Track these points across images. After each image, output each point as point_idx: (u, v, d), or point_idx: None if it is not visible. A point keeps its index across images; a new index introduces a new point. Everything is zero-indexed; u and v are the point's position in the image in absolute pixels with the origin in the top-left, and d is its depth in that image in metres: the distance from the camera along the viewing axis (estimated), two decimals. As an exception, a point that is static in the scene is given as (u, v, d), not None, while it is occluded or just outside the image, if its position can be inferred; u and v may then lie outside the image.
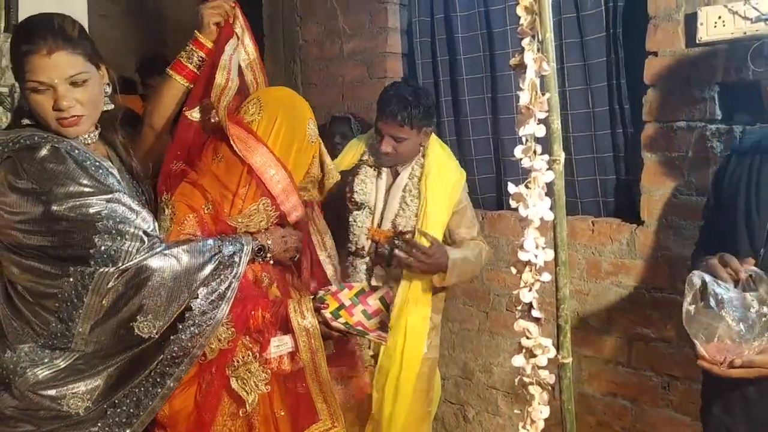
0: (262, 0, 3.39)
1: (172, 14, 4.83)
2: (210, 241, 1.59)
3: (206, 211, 1.67)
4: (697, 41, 2.02)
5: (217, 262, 1.55)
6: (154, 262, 1.46)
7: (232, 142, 1.66)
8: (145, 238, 1.46)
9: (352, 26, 3.04)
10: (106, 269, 1.42)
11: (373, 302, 1.75)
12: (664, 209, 2.16)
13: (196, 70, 1.75)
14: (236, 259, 1.59)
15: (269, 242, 1.74)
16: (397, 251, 2.13)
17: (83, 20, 3.21)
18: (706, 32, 1.99)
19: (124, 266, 1.43)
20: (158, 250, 1.48)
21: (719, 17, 1.95)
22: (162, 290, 1.46)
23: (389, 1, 2.92)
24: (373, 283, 2.25)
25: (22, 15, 2.96)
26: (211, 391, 1.61)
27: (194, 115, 1.74)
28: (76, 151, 1.47)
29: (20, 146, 1.42)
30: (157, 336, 1.47)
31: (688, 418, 2.16)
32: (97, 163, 1.49)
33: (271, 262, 1.77)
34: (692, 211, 2.09)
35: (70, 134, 1.49)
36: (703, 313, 1.32)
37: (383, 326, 1.74)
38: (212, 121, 1.73)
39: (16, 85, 2.95)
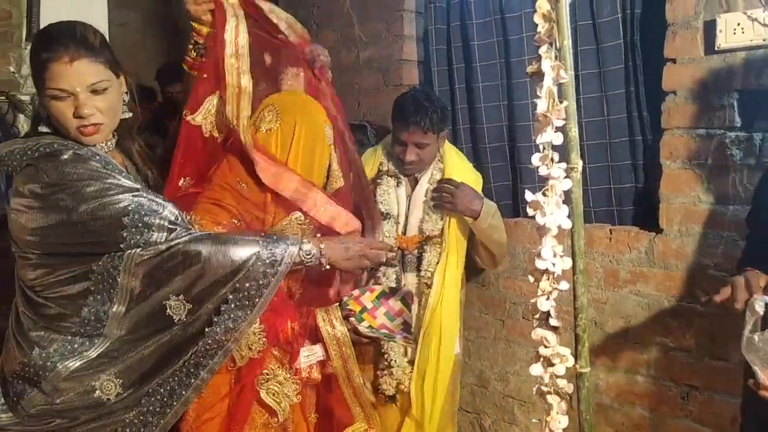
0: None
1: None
2: (252, 235, 1.55)
3: (236, 223, 1.64)
4: (716, 48, 2.00)
5: (255, 256, 1.50)
6: (190, 246, 1.46)
7: (258, 172, 1.59)
8: (175, 227, 1.47)
9: (368, 34, 3.05)
10: (136, 251, 1.43)
11: (395, 303, 1.74)
12: (684, 217, 2.14)
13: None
14: (278, 257, 1.52)
15: (322, 246, 1.60)
16: (432, 192, 2.27)
17: (103, 29, 3.25)
18: (725, 39, 1.97)
19: (157, 248, 1.44)
20: (194, 235, 1.48)
21: (738, 24, 1.94)
22: (195, 273, 1.46)
23: (405, 9, 2.92)
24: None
25: (43, 25, 3.01)
26: (240, 404, 1.61)
27: (197, 119, 1.66)
28: (97, 157, 1.48)
29: (40, 153, 1.44)
30: (186, 319, 1.47)
31: (708, 428, 2.13)
32: (118, 168, 1.51)
33: (327, 267, 1.63)
34: (712, 219, 2.07)
35: (89, 142, 1.50)
36: (763, 340, 1.28)
37: (407, 327, 1.74)
38: (228, 142, 1.67)
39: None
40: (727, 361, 2.08)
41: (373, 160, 2.41)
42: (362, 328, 1.68)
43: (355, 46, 3.09)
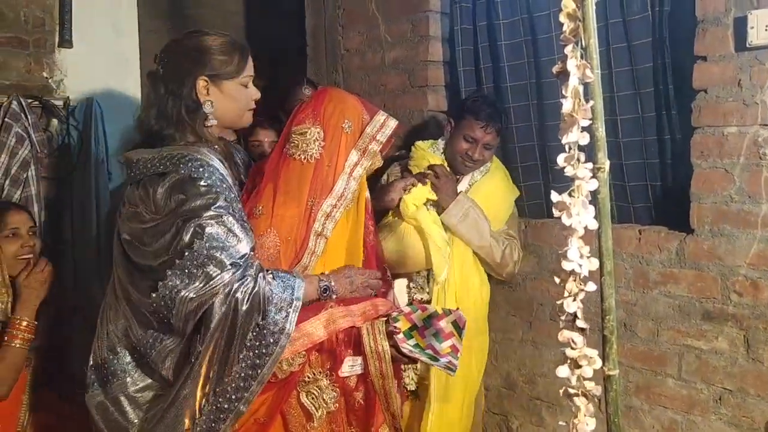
0: (305, 11, 3.43)
1: (217, 28, 4.92)
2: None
3: None
4: (748, 45, 1.96)
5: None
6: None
7: None
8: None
9: (393, 35, 3.05)
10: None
11: (446, 326, 1.70)
12: (715, 217, 2.10)
13: None
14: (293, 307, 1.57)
15: (332, 282, 1.68)
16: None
17: (134, 36, 3.31)
18: (756, 36, 1.94)
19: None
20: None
21: (771, 20, 1.90)
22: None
23: (431, 10, 2.92)
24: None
25: (76, 31, 3.07)
26: (279, 397, 1.62)
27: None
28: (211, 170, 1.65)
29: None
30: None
31: (741, 432, 2.09)
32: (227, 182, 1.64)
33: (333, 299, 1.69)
34: (744, 219, 2.03)
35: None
36: None
37: (454, 352, 1.69)
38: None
39: (71, 98, 3.06)
40: (761, 364, 2.04)
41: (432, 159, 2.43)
42: (407, 346, 1.64)
43: (381, 47, 3.09)
